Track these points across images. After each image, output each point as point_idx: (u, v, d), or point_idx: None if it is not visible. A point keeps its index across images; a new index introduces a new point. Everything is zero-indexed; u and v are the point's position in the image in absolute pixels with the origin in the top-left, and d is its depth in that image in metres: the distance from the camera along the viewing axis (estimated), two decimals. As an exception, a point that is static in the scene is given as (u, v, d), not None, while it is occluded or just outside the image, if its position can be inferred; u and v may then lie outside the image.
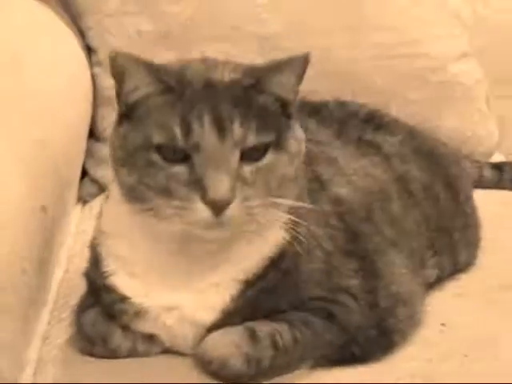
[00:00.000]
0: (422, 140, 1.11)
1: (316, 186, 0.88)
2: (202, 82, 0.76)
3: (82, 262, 0.97)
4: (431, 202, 1.02)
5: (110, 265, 0.83)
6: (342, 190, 0.91)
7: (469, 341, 0.88)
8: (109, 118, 1.37)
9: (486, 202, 1.26)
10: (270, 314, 0.81)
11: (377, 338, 0.83)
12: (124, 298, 0.83)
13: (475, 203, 1.14)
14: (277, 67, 0.79)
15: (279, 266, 0.80)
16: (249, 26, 1.36)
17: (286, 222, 0.79)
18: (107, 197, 0.88)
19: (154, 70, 0.76)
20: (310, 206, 0.81)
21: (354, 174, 0.95)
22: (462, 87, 1.43)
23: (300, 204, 0.79)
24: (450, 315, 0.93)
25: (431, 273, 0.98)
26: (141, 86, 0.76)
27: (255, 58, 1.32)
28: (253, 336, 0.78)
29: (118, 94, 0.78)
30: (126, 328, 0.84)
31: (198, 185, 0.73)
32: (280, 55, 1.27)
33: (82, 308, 0.88)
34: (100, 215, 0.88)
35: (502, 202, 1.32)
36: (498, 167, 1.41)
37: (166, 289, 0.81)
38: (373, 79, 1.39)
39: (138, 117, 0.76)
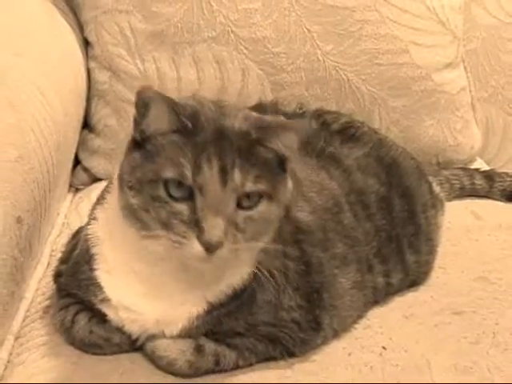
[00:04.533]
0: (387, 152, 1.15)
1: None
2: (214, 128, 0.82)
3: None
4: (385, 212, 1.07)
5: (96, 262, 0.92)
6: (302, 214, 0.98)
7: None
8: (101, 111, 1.43)
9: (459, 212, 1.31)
10: (227, 335, 0.91)
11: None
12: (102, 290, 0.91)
13: (438, 219, 1.19)
14: (284, 127, 0.84)
15: (240, 296, 0.90)
16: (240, 30, 1.40)
17: (252, 260, 0.89)
18: (102, 199, 0.94)
19: (175, 109, 0.81)
20: (279, 247, 0.90)
21: (311, 190, 1.02)
22: (445, 96, 1.47)
23: (273, 247, 0.87)
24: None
25: (379, 280, 1.05)
26: (160, 122, 0.82)
27: (244, 60, 1.39)
28: (199, 349, 0.90)
29: (137, 123, 0.84)
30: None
31: (196, 225, 0.80)
32: (269, 59, 1.37)
33: (66, 314, 0.95)
34: (92, 214, 0.95)
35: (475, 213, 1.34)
36: (489, 176, 1.43)
37: (136, 293, 0.89)
38: (358, 86, 1.43)
39: (151, 149, 0.82)
